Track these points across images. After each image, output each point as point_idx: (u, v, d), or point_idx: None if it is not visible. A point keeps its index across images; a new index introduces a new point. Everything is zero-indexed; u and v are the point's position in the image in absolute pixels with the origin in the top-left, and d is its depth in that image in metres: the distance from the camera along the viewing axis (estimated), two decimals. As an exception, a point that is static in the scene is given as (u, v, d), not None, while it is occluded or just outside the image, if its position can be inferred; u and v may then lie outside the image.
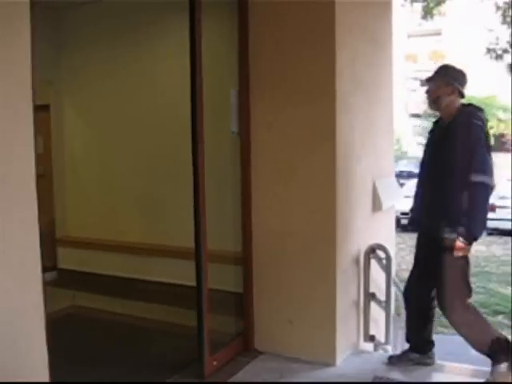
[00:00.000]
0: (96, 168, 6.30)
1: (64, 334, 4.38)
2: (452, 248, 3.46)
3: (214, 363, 3.87)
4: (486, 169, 3.43)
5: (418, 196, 3.81)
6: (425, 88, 3.72)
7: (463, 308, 3.59)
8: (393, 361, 3.97)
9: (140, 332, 4.69)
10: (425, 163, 3.79)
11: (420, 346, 3.94)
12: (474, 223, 3.44)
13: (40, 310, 2.54)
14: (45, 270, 2.56)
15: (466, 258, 3.54)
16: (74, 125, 6.46)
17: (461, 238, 3.43)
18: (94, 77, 6.07)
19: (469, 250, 3.49)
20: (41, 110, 5.56)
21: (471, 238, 3.45)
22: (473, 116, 3.51)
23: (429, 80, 3.72)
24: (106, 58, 5.91)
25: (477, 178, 3.39)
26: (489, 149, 3.50)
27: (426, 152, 3.81)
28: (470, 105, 3.64)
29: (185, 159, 5.29)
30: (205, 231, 3.79)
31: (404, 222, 16.45)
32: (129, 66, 5.81)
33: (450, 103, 3.62)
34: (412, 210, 3.87)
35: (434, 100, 3.67)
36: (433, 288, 3.74)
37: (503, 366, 3.51)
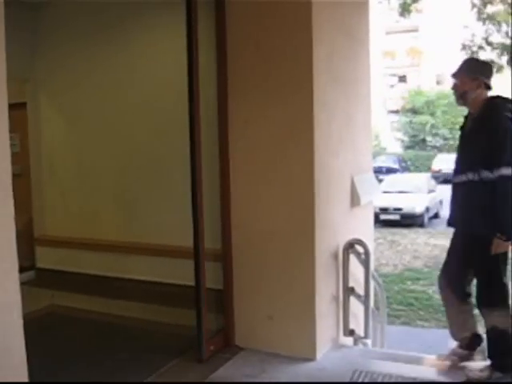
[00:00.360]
0: (74, 166, 6.26)
1: (44, 333, 4.37)
2: (488, 245, 3.39)
3: (211, 348, 4.03)
4: None
5: (453, 193, 3.76)
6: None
7: (498, 308, 3.51)
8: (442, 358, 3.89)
9: (119, 330, 4.67)
10: (458, 158, 3.74)
11: (465, 341, 3.81)
12: (506, 218, 3.35)
13: (18, 310, 2.53)
14: (23, 269, 2.55)
15: (503, 256, 3.46)
16: (51, 123, 6.40)
17: (497, 234, 3.36)
18: (72, 75, 6.02)
19: (507, 246, 3.39)
20: (17, 107, 5.54)
21: (507, 234, 3.36)
22: (501, 107, 3.47)
23: (454, 75, 3.70)
24: (84, 55, 5.86)
25: (506, 171, 3.32)
26: None
27: (458, 147, 3.77)
28: (497, 97, 3.58)
29: (164, 157, 5.32)
30: (203, 231, 3.88)
31: (383, 217, 16.70)
32: (106, 64, 5.78)
33: (477, 97, 3.58)
34: (450, 206, 3.83)
35: (460, 95, 3.65)
36: (467, 285, 3.73)
37: (498, 375, 3.50)
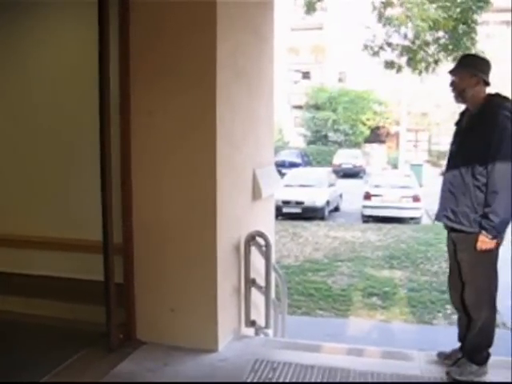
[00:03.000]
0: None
1: None
2: (475, 242, 3.41)
3: (121, 336, 4.06)
4: (510, 159, 3.35)
5: (443, 189, 3.70)
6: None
7: (488, 305, 3.53)
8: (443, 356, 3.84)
9: (18, 328, 4.49)
10: (452, 154, 3.69)
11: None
12: (496, 215, 3.36)
13: None
14: None
15: (491, 252, 3.46)
16: None
17: (483, 232, 3.38)
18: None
19: (493, 244, 3.41)
20: None
21: (493, 231, 3.37)
22: (500, 106, 3.46)
23: (452, 72, 3.64)
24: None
25: (501, 168, 3.34)
26: None
27: (453, 144, 3.71)
28: (497, 95, 3.57)
29: (72, 148, 5.13)
30: (111, 225, 3.85)
31: (285, 210, 17.05)
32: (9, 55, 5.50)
33: (475, 94, 3.54)
34: (439, 201, 3.75)
35: (459, 93, 3.59)
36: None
37: (475, 368, 3.56)
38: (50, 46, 4.99)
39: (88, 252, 4.36)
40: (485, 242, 3.40)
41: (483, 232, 3.39)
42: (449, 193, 3.62)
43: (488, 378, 3.60)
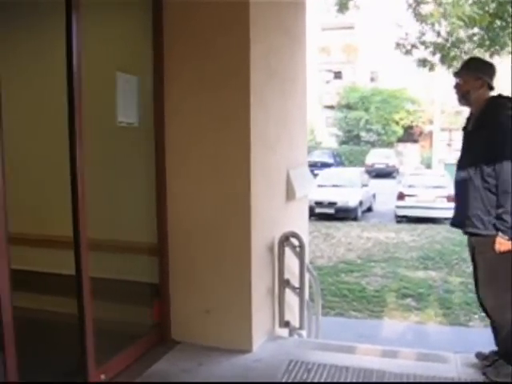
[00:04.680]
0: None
1: None
2: (492, 245, 3.38)
3: (102, 377, 3.47)
4: None
5: (455, 194, 3.71)
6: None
7: (510, 307, 3.44)
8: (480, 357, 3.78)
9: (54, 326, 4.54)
10: (460, 159, 3.68)
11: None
12: (509, 215, 3.33)
13: None
14: None
15: (510, 254, 3.39)
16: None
17: (499, 233, 3.36)
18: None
19: (510, 245, 3.35)
20: None
21: (509, 232, 3.34)
22: (502, 106, 3.47)
23: (456, 74, 3.66)
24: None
25: (509, 167, 3.32)
26: None
27: (462, 148, 3.70)
28: (499, 96, 3.56)
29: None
30: (84, 218, 3.49)
31: (318, 210, 16.98)
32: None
33: (479, 96, 3.54)
34: (454, 206, 3.74)
35: (463, 95, 3.59)
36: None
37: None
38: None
39: (121, 252, 4.39)
40: (502, 243, 3.37)
41: (499, 233, 3.37)
42: (460, 197, 3.62)
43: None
